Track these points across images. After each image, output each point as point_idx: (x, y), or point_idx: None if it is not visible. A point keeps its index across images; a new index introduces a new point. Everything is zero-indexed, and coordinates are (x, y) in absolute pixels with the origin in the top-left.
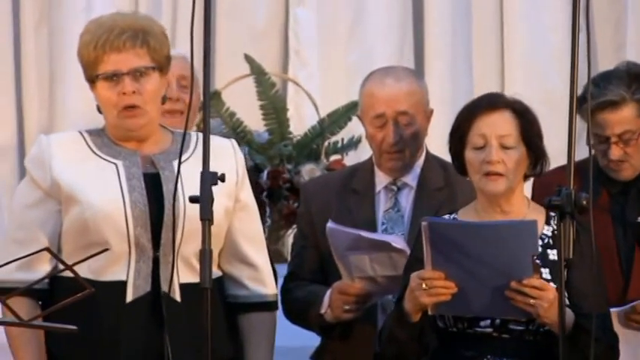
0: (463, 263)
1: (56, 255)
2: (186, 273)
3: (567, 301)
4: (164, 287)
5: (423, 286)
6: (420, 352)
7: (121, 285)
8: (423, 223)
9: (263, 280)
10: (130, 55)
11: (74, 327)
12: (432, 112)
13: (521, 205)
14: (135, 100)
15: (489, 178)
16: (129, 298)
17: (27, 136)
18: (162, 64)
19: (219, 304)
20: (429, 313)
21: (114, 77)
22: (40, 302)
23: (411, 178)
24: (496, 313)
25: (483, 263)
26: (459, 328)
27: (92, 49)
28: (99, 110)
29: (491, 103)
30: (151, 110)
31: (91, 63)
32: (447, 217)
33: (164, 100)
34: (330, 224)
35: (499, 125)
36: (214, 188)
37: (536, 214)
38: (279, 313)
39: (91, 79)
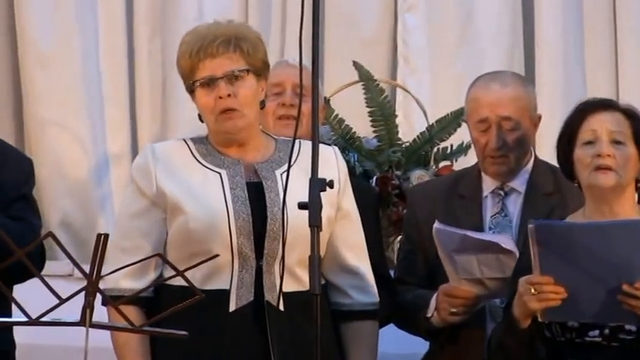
0: (573, 266)
1: (168, 261)
2: (290, 282)
3: None
4: (267, 296)
5: (532, 291)
6: None
7: (224, 294)
8: (530, 226)
9: (365, 288)
10: (223, 60)
11: (185, 332)
12: (539, 117)
13: (632, 208)
14: (231, 104)
15: (599, 171)
16: (232, 307)
17: (140, 145)
18: (257, 68)
19: (325, 311)
20: (539, 319)
21: (210, 83)
22: (145, 311)
23: (519, 183)
24: (608, 319)
25: (594, 266)
26: (567, 337)
27: (188, 58)
28: (200, 119)
29: (602, 103)
30: (248, 113)
31: (188, 72)
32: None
33: (263, 104)
34: (437, 225)
35: (610, 121)
36: None
37: None
38: None
39: (190, 89)
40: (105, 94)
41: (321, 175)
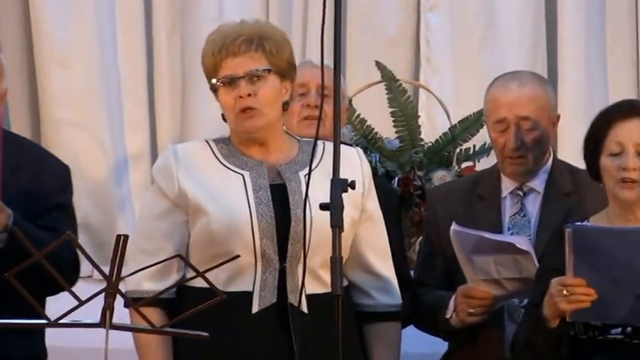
0: (605, 269)
1: (188, 262)
2: (313, 284)
3: None
4: (291, 298)
5: (564, 292)
6: None
7: (247, 296)
8: (567, 230)
9: (388, 289)
10: (245, 59)
11: (205, 333)
12: (558, 117)
13: None
14: (250, 103)
15: (624, 185)
16: (254, 309)
17: (159, 145)
18: (281, 68)
19: (348, 313)
20: (567, 319)
21: (231, 82)
22: (167, 312)
23: (538, 183)
24: (634, 321)
25: (626, 269)
26: (590, 335)
27: (211, 56)
28: (224, 118)
29: (628, 110)
30: (268, 113)
31: (211, 70)
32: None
33: (286, 105)
34: (454, 226)
35: (636, 133)
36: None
37: None
38: None
39: (214, 88)
40: (123, 93)
41: (344, 176)
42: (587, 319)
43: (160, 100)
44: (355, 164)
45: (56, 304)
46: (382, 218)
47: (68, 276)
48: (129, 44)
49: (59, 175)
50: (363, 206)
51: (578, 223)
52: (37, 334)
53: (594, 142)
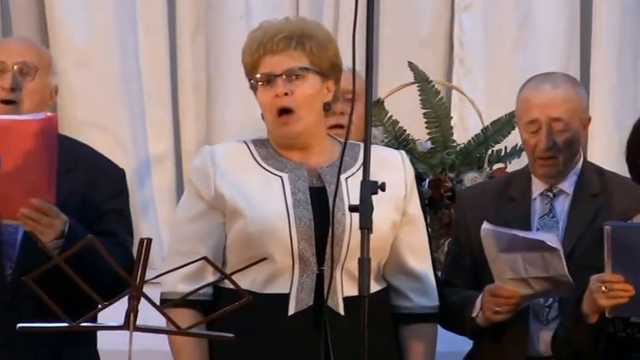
0: None
1: (214, 264)
2: (351, 286)
3: None
4: (329, 301)
5: (603, 288)
6: (596, 358)
7: (284, 298)
8: (607, 227)
9: (426, 291)
10: (283, 57)
11: (231, 335)
12: (589, 119)
13: None
14: (287, 102)
15: None
16: (291, 311)
17: (184, 147)
18: (322, 68)
19: (385, 314)
20: (607, 315)
21: (269, 80)
22: (203, 314)
23: (568, 185)
24: None
25: None
26: (629, 333)
27: (250, 53)
28: (263, 118)
29: None
30: (305, 115)
31: (250, 68)
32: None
33: (327, 107)
34: (485, 225)
35: None
36: (382, 201)
37: None
38: None
39: (253, 86)
40: (145, 94)
41: (386, 179)
42: (625, 314)
43: (184, 101)
44: (397, 167)
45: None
46: (424, 221)
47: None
48: (151, 43)
49: (114, 179)
50: (405, 209)
51: (616, 222)
52: (89, 339)
53: (637, 144)
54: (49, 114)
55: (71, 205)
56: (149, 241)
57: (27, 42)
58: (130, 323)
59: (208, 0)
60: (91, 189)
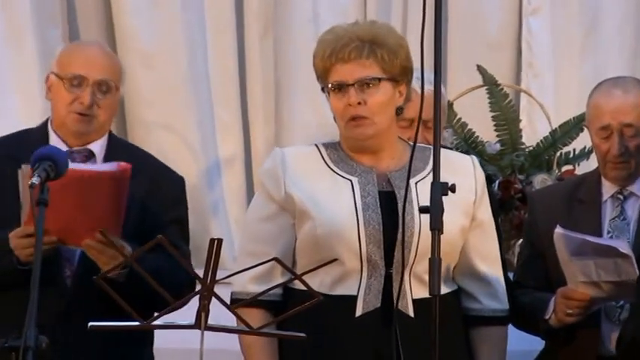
0: None
1: (285, 265)
2: (419, 289)
3: None
4: (396, 303)
5: None
6: None
7: (352, 299)
8: None
9: (496, 295)
10: (355, 66)
11: (302, 334)
12: None
13: None
14: (361, 111)
15: None
16: (358, 312)
17: (253, 149)
18: (394, 74)
19: (456, 317)
20: None
21: (341, 88)
22: (272, 314)
23: (638, 188)
24: None
25: None
26: None
27: (320, 59)
28: (335, 121)
29: None
30: (379, 121)
31: (321, 73)
32: None
33: (399, 111)
34: (558, 229)
35: None
36: (451, 205)
37: None
38: None
39: (325, 90)
40: (214, 96)
41: (457, 184)
42: None
43: (253, 104)
44: (468, 172)
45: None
46: (494, 226)
47: (181, 292)
48: (219, 47)
49: (175, 188)
50: (474, 214)
51: None
52: (146, 340)
53: None
54: (122, 164)
55: (132, 211)
56: (220, 241)
57: (107, 57)
58: (201, 322)
59: (277, 3)
60: (152, 197)
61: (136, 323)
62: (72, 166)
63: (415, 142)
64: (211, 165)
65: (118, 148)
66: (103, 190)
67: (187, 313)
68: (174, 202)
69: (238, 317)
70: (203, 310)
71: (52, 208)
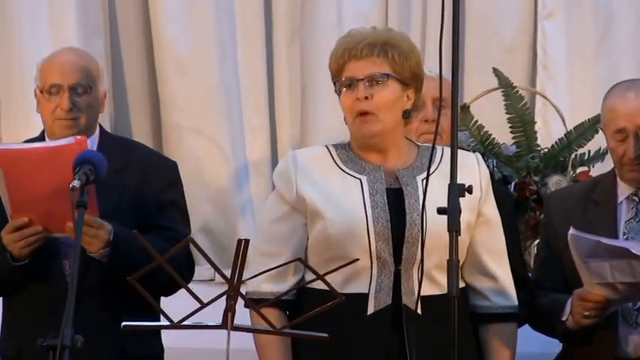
0: None
1: (308, 265)
2: (428, 286)
3: None
4: (405, 300)
5: None
6: None
7: (363, 297)
8: None
9: (504, 291)
10: (366, 63)
11: (325, 335)
12: None
13: None
14: (367, 107)
15: None
16: (370, 310)
17: (280, 152)
18: (403, 76)
19: (464, 314)
20: None
21: (351, 84)
22: (286, 313)
23: None
24: None
25: None
26: None
27: (334, 59)
28: (346, 121)
29: None
30: (385, 119)
31: (335, 72)
32: None
33: (406, 115)
34: (571, 231)
35: None
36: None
37: None
38: None
39: (338, 90)
40: (243, 100)
41: (462, 181)
42: None
43: (280, 108)
44: (473, 169)
45: (179, 306)
46: (500, 222)
47: (184, 277)
48: (249, 53)
49: (167, 171)
50: (480, 210)
51: None
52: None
53: None
54: (78, 137)
55: (125, 202)
56: (246, 242)
57: (78, 60)
58: (227, 322)
59: (303, 11)
60: (145, 182)
61: (166, 323)
62: (26, 146)
63: (434, 144)
64: (240, 167)
65: (110, 141)
66: (67, 165)
67: (184, 311)
68: (167, 185)
69: (263, 317)
70: (230, 310)
71: (25, 194)
